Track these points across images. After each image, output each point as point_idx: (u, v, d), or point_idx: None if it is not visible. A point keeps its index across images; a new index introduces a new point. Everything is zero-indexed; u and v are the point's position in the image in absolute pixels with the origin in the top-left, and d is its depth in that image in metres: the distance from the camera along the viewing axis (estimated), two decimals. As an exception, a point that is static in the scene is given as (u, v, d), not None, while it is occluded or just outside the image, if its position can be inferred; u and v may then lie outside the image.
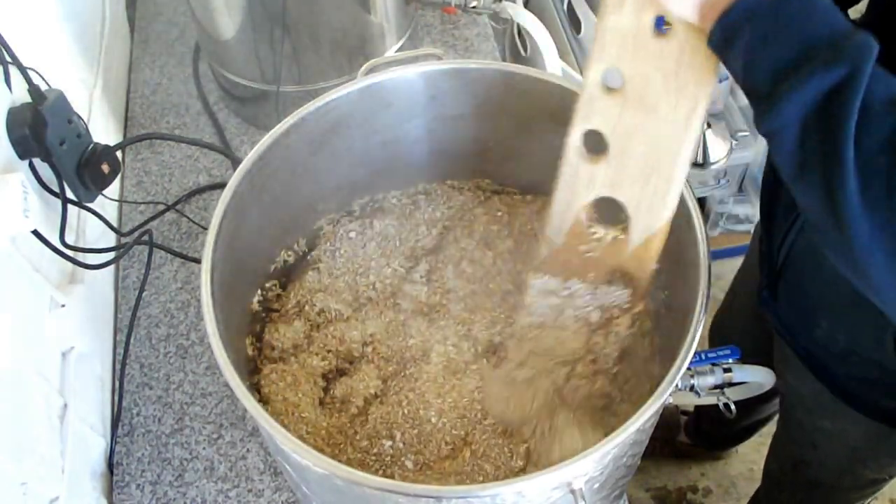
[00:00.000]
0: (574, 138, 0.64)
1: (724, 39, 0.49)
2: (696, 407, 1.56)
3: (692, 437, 1.61)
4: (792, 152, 0.46)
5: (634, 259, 0.66)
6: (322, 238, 0.90)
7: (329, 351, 0.82)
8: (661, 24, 0.56)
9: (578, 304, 0.72)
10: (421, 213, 0.91)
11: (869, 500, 1.07)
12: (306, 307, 0.85)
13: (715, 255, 1.77)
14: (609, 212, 0.66)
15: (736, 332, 1.17)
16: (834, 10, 0.46)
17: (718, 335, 1.26)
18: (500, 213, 0.91)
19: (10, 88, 0.75)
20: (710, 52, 0.52)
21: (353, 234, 0.90)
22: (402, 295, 0.86)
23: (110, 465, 0.86)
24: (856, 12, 0.72)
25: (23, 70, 0.74)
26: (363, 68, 0.82)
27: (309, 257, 0.89)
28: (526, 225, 0.89)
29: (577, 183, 0.66)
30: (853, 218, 0.44)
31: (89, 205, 0.86)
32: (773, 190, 0.86)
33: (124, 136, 1.17)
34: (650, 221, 0.63)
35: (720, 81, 1.74)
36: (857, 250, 0.46)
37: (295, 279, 0.87)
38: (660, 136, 0.59)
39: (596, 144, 0.64)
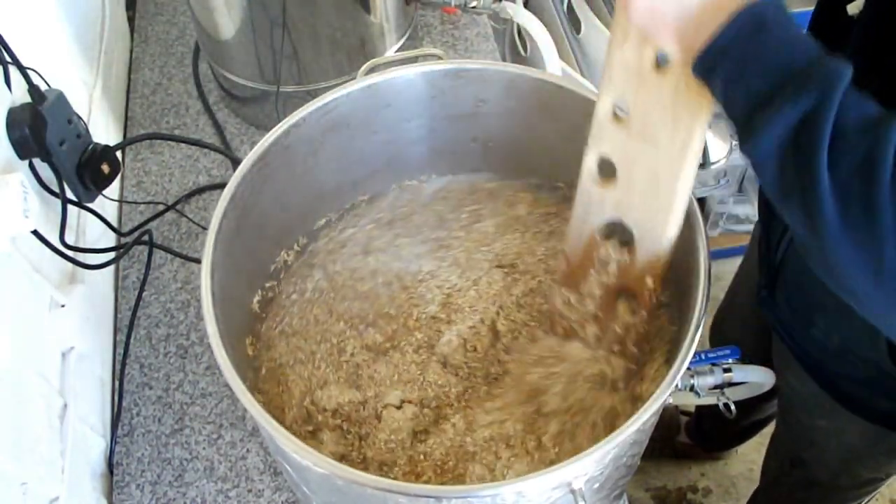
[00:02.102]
0: (588, 162, 0.68)
1: (703, 74, 0.51)
2: (697, 407, 1.56)
3: (693, 437, 1.61)
4: (773, 180, 0.48)
5: (640, 280, 0.69)
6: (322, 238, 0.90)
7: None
8: (663, 60, 0.58)
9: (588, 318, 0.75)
10: (421, 213, 0.91)
11: (867, 499, 1.07)
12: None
13: (715, 255, 1.76)
14: (623, 234, 0.69)
15: (736, 332, 1.17)
16: (806, 39, 0.47)
17: (718, 335, 1.26)
18: (500, 213, 0.91)
19: (10, 88, 0.75)
20: (701, 87, 0.54)
21: (352, 234, 0.90)
22: (402, 294, 0.86)
23: (110, 466, 0.86)
24: (855, 7, 0.72)
25: (23, 70, 0.74)
26: (363, 68, 0.82)
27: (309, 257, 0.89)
28: (525, 223, 0.90)
29: (590, 205, 0.70)
30: (833, 240, 0.45)
31: (89, 205, 0.86)
32: None
33: (124, 136, 1.17)
34: (653, 245, 0.66)
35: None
36: (841, 271, 0.47)
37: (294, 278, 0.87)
38: (659, 164, 0.62)
39: (607, 169, 0.67)
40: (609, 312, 0.73)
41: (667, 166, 0.61)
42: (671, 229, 0.64)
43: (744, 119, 0.48)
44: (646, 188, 0.64)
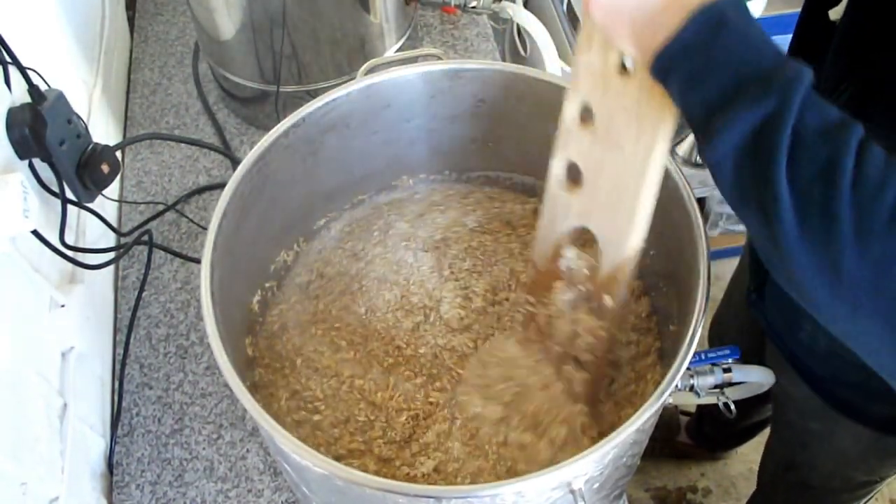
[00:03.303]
0: (555, 167, 0.68)
1: (660, 76, 0.49)
2: (698, 407, 1.56)
3: (693, 437, 1.61)
4: (730, 186, 0.46)
5: (605, 287, 0.68)
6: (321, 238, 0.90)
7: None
8: (627, 64, 0.57)
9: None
10: (420, 212, 0.91)
11: (865, 500, 1.07)
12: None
13: (715, 255, 1.76)
14: (589, 241, 0.68)
15: (732, 333, 1.17)
16: (767, 42, 0.46)
17: (717, 334, 1.26)
18: (499, 213, 0.91)
19: (9, 88, 0.75)
20: (665, 92, 0.53)
21: (352, 233, 0.90)
22: (402, 293, 0.86)
23: (110, 465, 0.86)
24: (836, 13, 0.72)
25: (23, 70, 0.74)
26: (363, 68, 0.82)
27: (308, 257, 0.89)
28: (525, 224, 0.90)
29: (557, 210, 0.69)
30: (791, 248, 0.44)
31: (89, 205, 0.86)
32: None
33: (124, 136, 1.17)
34: (617, 253, 0.65)
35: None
36: (799, 279, 0.46)
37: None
38: (624, 171, 0.61)
39: (574, 175, 0.66)
40: (575, 319, 0.72)
41: (631, 172, 0.60)
42: (635, 237, 0.63)
43: (702, 122, 0.47)
44: (610, 194, 0.63)
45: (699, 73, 0.46)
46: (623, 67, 0.58)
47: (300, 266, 0.88)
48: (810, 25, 0.75)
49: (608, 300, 0.68)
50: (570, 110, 0.64)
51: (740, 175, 0.45)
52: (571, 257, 0.71)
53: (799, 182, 0.43)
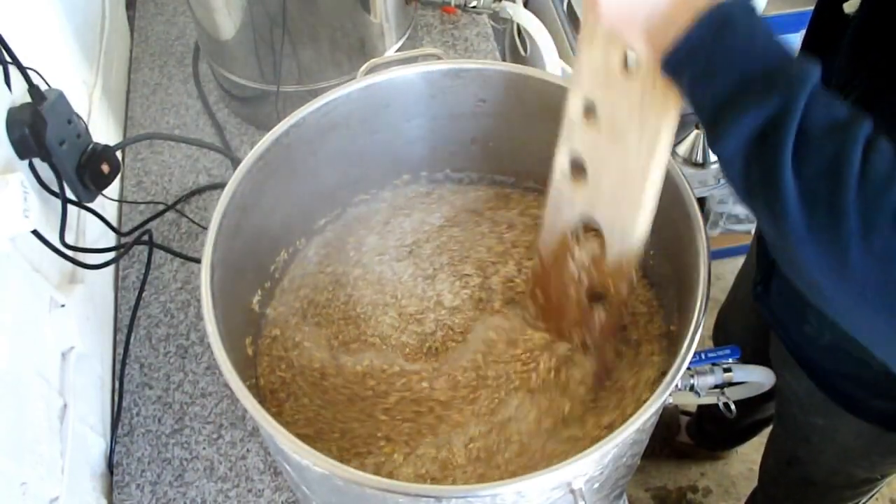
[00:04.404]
0: (560, 160, 0.69)
1: (672, 74, 0.50)
2: (699, 406, 1.56)
3: (694, 436, 1.61)
4: (739, 180, 0.47)
5: (610, 280, 0.69)
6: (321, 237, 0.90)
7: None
8: (631, 61, 0.59)
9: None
10: (420, 212, 0.91)
11: (865, 499, 1.07)
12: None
13: (715, 255, 1.77)
14: (595, 233, 0.70)
15: (737, 330, 1.18)
16: (774, 41, 0.47)
17: (722, 332, 1.26)
18: (499, 212, 0.91)
19: (10, 88, 0.75)
20: (668, 88, 0.54)
21: (352, 233, 0.90)
22: (404, 292, 0.86)
23: (110, 465, 0.86)
24: (851, 7, 0.72)
25: (23, 70, 0.74)
26: (363, 68, 0.82)
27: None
28: (490, 206, 0.91)
29: (562, 203, 0.71)
30: (798, 241, 0.45)
31: (89, 205, 0.86)
32: None
33: (124, 136, 1.17)
34: (622, 245, 0.66)
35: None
36: (806, 270, 0.46)
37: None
38: (628, 164, 0.62)
39: (578, 168, 0.68)
40: (581, 310, 0.74)
41: (635, 166, 0.61)
42: (639, 229, 0.64)
43: (711, 119, 0.48)
44: (615, 187, 0.64)
45: (707, 72, 0.47)
46: (625, 64, 0.59)
47: (300, 265, 0.88)
48: (824, 19, 0.75)
49: (613, 289, 0.69)
50: (574, 105, 0.65)
51: (749, 172, 0.46)
52: (580, 248, 0.71)
53: (806, 178, 0.43)
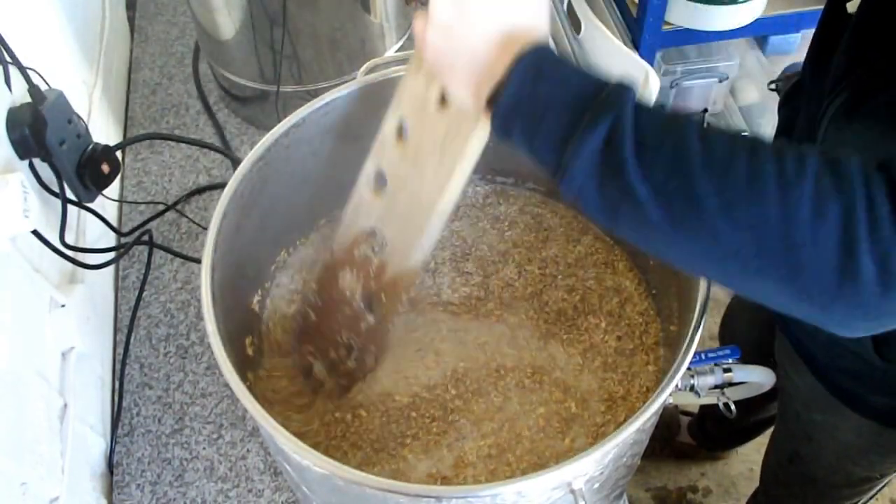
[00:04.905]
0: (367, 169, 0.72)
1: (503, 131, 0.51)
2: (700, 406, 1.56)
3: (695, 436, 1.61)
4: (599, 207, 0.48)
5: (383, 293, 0.72)
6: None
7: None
8: (447, 98, 0.61)
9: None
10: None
11: (866, 498, 1.07)
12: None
13: (715, 255, 1.76)
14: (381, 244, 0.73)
15: (744, 328, 1.18)
16: (585, 75, 0.48)
17: (728, 330, 1.26)
18: (499, 208, 0.91)
19: (10, 88, 0.75)
20: (470, 135, 0.58)
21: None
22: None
23: (110, 465, 0.86)
24: (854, 6, 0.72)
25: (23, 70, 0.74)
26: (363, 68, 0.82)
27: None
28: (526, 218, 0.90)
29: (360, 208, 0.74)
30: (669, 240, 0.46)
31: (89, 205, 0.86)
32: None
33: (124, 136, 1.17)
34: (401, 262, 0.69)
35: (720, 81, 1.73)
36: (691, 264, 0.49)
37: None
38: (422, 192, 0.65)
39: (381, 182, 0.71)
40: (353, 311, 0.75)
41: (427, 197, 0.64)
42: (418, 254, 0.67)
43: (553, 160, 0.48)
44: (406, 210, 0.67)
45: (535, 117, 0.49)
46: (443, 100, 0.62)
47: (299, 265, 0.88)
48: (830, 18, 0.75)
49: (386, 301, 0.72)
50: (390, 123, 0.69)
51: (602, 194, 0.47)
52: (365, 254, 0.74)
53: (655, 180, 0.45)
